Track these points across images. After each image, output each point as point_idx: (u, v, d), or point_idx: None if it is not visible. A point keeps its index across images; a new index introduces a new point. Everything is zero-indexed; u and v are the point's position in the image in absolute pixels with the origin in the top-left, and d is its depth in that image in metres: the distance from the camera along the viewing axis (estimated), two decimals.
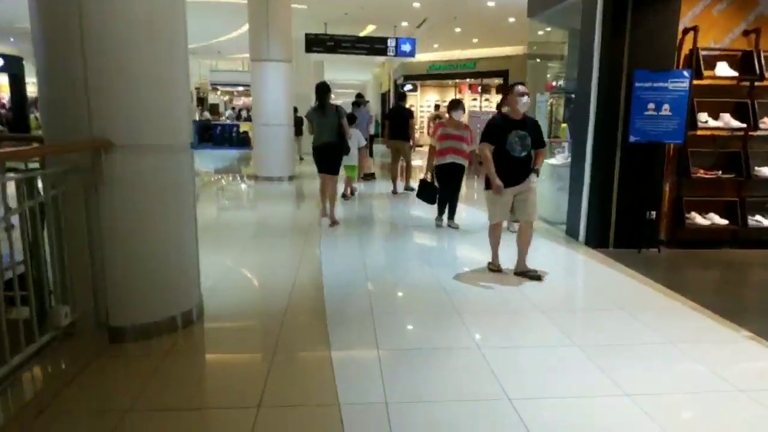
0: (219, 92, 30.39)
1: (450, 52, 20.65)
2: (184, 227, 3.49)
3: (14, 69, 20.45)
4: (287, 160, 11.49)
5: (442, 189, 6.69)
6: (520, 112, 4.58)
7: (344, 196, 8.95)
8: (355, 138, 8.42)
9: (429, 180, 6.77)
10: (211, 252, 5.37)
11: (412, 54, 15.02)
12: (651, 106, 5.41)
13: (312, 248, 5.66)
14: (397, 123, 9.78)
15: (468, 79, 22.63)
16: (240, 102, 31.43)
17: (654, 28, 5.39)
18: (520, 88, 4.58)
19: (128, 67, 3.04)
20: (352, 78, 35.06)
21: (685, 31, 5.53)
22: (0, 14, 14.54)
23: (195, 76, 31.56)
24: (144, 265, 3.25)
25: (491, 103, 22.38)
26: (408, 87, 24.50)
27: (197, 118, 27.02)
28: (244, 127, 21.13)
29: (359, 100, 11.43)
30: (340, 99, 49.50)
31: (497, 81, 21.81)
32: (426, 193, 6.79)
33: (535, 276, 4.64)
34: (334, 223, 6.86)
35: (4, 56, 21.52)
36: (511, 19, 13.48)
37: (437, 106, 22.40)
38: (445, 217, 6.82)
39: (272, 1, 10.76)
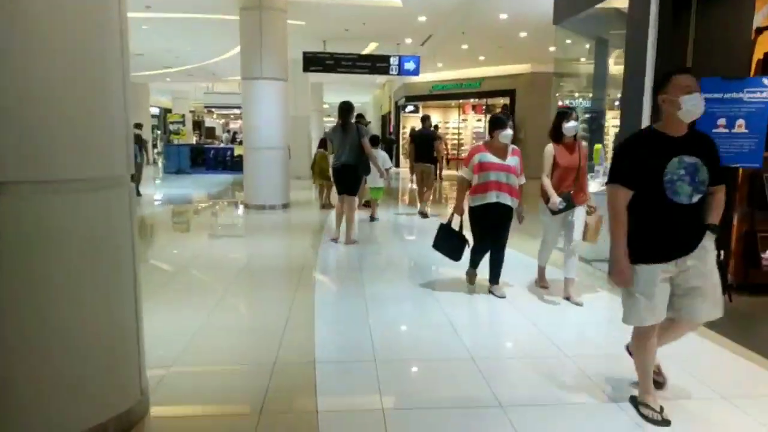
0: (215, 115, 29.66)
1: (454, 71, 19.83)
2: (117, 298, 2.43)
3: None
4: (281, 186, 10.48)
5: (480, 240, 4.72)
6: (685, 122, 2.55)
7: (371, 218, 8.91)
8: (380, 159, 8.10)
9: (453, 225, 4.80)
10: (178, 306, 4.32)
11: (416, 72, 14.15)
12: (721, 122, 4.40)
13: (305, 301, 4.58)
14: (423, 145, 9.60)
15: (472, 99, 21.81)
16: (236, 125, 30.71)
17: (723, 28, 4.41)
18: (684, 78, 2.52)
19: (24, 75, 2.03)
20: (352, 101, 34.35)
21: (758, 32, 4.56)
22: None
23: (190, 98, 30.91)
24: (51, 358, 2.19)
25: None
26: (410, 108, 23.69)
27: (194, 142, 26.28)
28: (238, 150, 20.18)
29: (360, 122, 10.46)
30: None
31: (502, 101, 20.99)
32: (448, 244, 4.77)
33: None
34: (351, 242, 6.86)
35: None
36: (523, 34, 12.60)
37: (436, 127, 21.51)
38: (471, 270, 4.94)
39: (266, 15, 9.87)
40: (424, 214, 9.51)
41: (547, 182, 4.50)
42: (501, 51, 15.24)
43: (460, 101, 22.10)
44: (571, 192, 4.47)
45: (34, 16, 2.04)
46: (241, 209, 10.53)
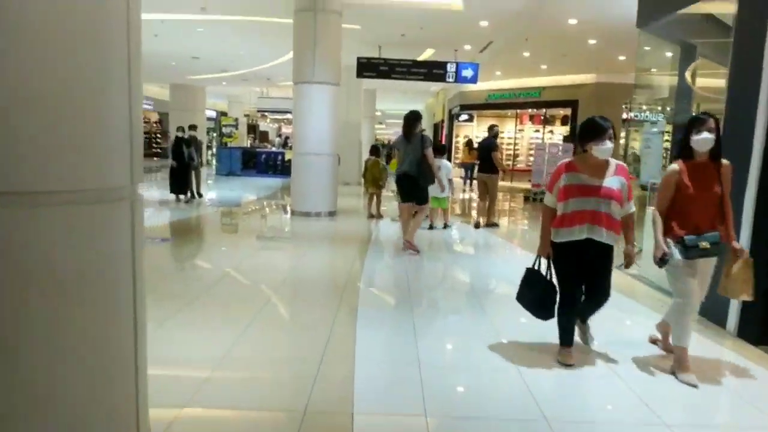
0: (268, 120, 29.87)
1: (513, 80, 19.07)
2: (111, 338, 1.97)
3: None
4: (329, 194, 10.07)
5: (566, 290, 3.43)
6: None
7: (430, 227, 8.66)
8: (444, 170, 8.21)
9: (541, 269, 3.54)
10: (206, 327, 3.88)
11: (473, 80, 13.53)
12: None
13: (345, 327, 4.06)
14: (486, 156, 9.38)
15: (530, 110, 20.95)
16: (289, 130, 30.85)
17: None
18: None
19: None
20: (403, 108, 33.99)
21: None
22: None
23: (245, 102, 31.29)
24: (22, 416, 1.74)
25: (554, 135, 20.59)
26: (464, 117, 23.04)
27: (248, 145, 26.52)
28: (289, 155, 20.10)
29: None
30: (392, 129, 48.86)
31: (562, 112, 20.04)
32: (533, 293, 3.54)
33: None
34: (413, 249, 6.75)
35: None
36: (592, 41, 11.79)
37: (495, 136, 20.71)
38: (564, 339, 3.53)
39: (321, 17, 9.52)
40: (495, 225, 9.37)
41: (659, 221, 3.32)
42: (565, 60, 14.42)
43: (517, 111, 21.27)
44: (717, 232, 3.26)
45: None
46: (286, 215, 10.18)
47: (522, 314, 3.74)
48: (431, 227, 8.71)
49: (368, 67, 13.32)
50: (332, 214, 10.05)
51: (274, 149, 21.86)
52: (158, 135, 29.58)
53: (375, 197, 9.96)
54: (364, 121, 19.84)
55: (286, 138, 24.83)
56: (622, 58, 13.67)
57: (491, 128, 9.96)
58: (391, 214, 10.13)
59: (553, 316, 3.47)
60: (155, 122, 30.67)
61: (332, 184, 10.15)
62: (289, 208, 10.54)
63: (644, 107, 8.81)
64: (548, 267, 3.51)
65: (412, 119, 6.64)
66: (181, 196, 11.19)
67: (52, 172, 1.73)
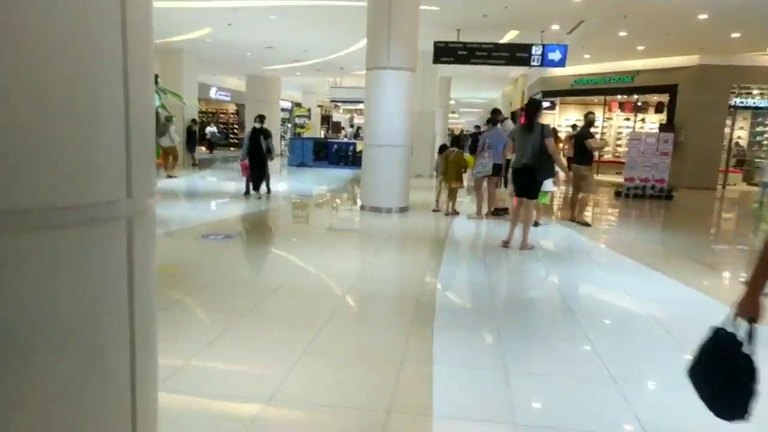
0: (341, 110, 29.64)
1: (602, 63, 17.55)
2: (101, 404, 1.39)
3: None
4: (401, 189, 9.42)
5: None
6: None
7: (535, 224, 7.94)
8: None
9: (738, 336, 2.05)
10: (251, 356, 3.32)
11: (561, 63, 12.38)
12: None
13: (419, 361, 3.37)
14: (580, 147, 8.68)
15: (620, 96, 19.29)
16: (361, 120, 30.53)
17: None
18: None
19: None
20: (478, 97, 32.73)
21: None
22: None
23: (319, 93, 31.23)
24: None
25: (646, 124, 18.86)
26: (545, 104, 21.65)
27: (321, 136, 26.41)
28: (360, 146, 19.68)
29: (494, 117, 9.09)
30: (464, 118, 47.50)
31: (657, 98, 18.29)
32: (719, 372, 2.09)
33: None
34: (527, 247, 6.57)
35: None
36: (702, 16, 10.35)
37: (574, 126, 18.98)
38: None
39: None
40: (586, 224, 8.57)
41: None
42: (666, 39, 12.91)
43: (606, 97, 19.64)
44: None
45: None
46: (356, 211, 9.63)
47: (651, 360, 2.91)
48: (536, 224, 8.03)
49: (446, 52, 12.50)
50: (404, 210, 9.40)
51: (345, 140, 21.50)
52: (236, 126, 30.13)
53: (453, 193, 9.20)
54: (438, 111, 19.01)
55: (358, 128, 24.41)
56: (735, 35, 12.04)
57: (587, 116, 8.95)
58: (467, 211, 9.34)
59: (745, 416, 2.03)
60: (232, 113, 31.29)
61: (405, 178, 9.49)
62: (358, 203, 9.99)
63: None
64: (751, 334, 2.03)
65: (533, 107, 6.47)
66: (252, 192, 10.48)
67: (43, 187, 1.17)
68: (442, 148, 10.01)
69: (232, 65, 21.03)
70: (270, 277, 5.21)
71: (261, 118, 10.56)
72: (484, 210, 8.93)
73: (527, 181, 6.44)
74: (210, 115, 29.45)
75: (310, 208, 10.38)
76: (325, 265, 5.79)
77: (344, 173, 17.15)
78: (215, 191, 12.20)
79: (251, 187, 10.48)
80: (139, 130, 1.41)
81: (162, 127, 14.00)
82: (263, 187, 10.65)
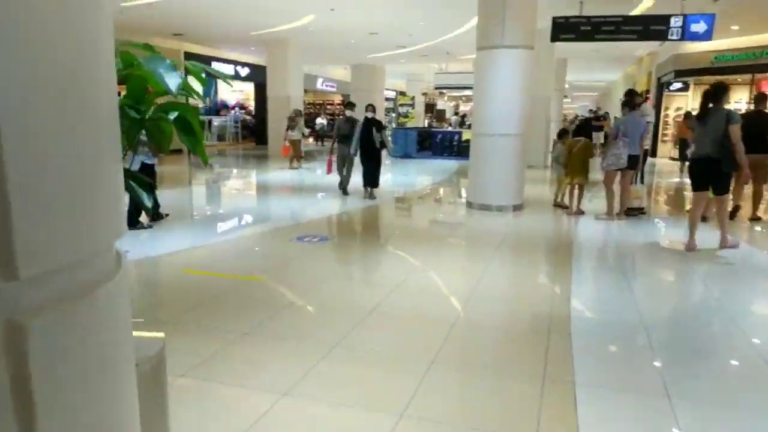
0: (446, 97, 28.64)
1: (752, 36, 15.07)
2: None
3: (259, 78, 21.32)
4: (514, 183, 8.38)
5: None
6: None
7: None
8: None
9: None
10: (327, 417, 2.59)
11: (706, 36, 10.52)
12: None
13: None
14: (755, 132, 7.13)
15: None
16: (467, 108, 29.31)
17: None
18: None
19: None
20: (593, 79, 30.13)
21: None
22: (237, 23, 14.24)
23: (423, 81, 30.40)
24: None
25: None
26: (676, 86, 19.21)
27: (425, 125, 25.67)
28: (466, 135, 18.64)
29: (631, 100, 7.73)
30: (578, 102, 44.33)
31: None
32: None
33: None
34: (728, 245, 5.79)
35: (250, 65, 22.73)
36: None
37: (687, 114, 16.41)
38: None
39: None
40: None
41: None
42: None
43: (754, 75, 16.93)
44: None
45: None
46: (462, 209, 8.73)
47: None
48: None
49: (566, 28, 11.10)
50: (518, 208, 8.36)
51: (450, 129, 20.53)
52: (341, 117, 30.18)
53: (579, 189, 8.02)
54: (553, 95, 17.46)
55: (463, 116, 23.34)
56: None
57: (759, 97, 7.45)
58: (594, 211, 8.10)
59: None
60: (338, 104, 31.42)
61: (519, 172, 8.43)
62: (465, 200, 9.09)
63: None
64: None
65: (719, 91, 5.71)
66: (371, 190, 9.26)
67: None
68: (562, 134, 8.80)
69: (336, 54, 20.80)
70: (365, 295, 4.52)
71: (372, 108, 9.32)
72: (616, 209, 7.66)
73: (708, 174, 5.74)
74: (316, 106, 29.71)
75: (412, 205, 9.59)
76: (429, 279, 5.00)
77: (449, 164, 16.24)
78: (319, 186, 11.84)
79: (371, 185, 9.22)
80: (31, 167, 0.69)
81: (292, 121, 14.31)
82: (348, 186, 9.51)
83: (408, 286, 4.60)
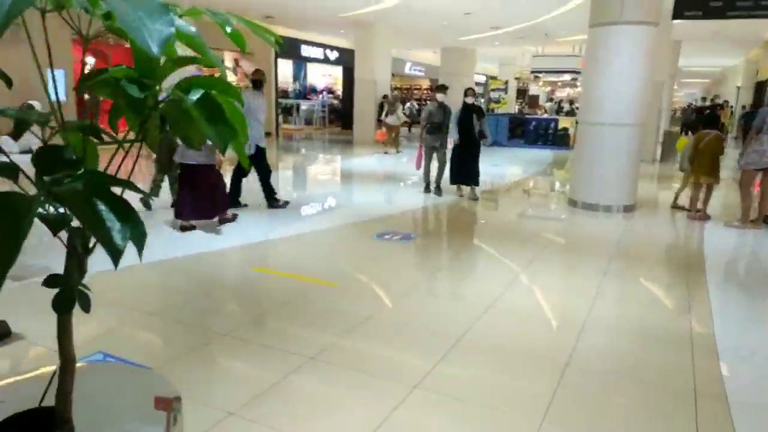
0: (541, 82, 26.96)
1: None
2: None
3: (347, 62, 20.97)
4: (627, 181, 7.30)
5: None
6: None
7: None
8: None
9: None
10: None
11: None
12: None
13: None
14: None
15: None
16: (564, 93, 27.46)
17: None
18: None
19: None
20: (707, 65, 27.13)
21: None
22: (327, 5, 13.84)
23: (517, 64, 28.84)
24: None
25: None
26: None
27: (515, 111, 24.30)
28: (563, 123, 17.27)
29: None
30: (684, 90, 40.50)
31: None
32: None
33: None
34: None
35: (339, 49, 22.43)
36: None
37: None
38: None
39: None
40: None
41: None
42: None
43: None
44: None
45: None
46: (562, 207, 7.77)
47: None
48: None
49: (692, 4, 9.66)
50: (629, 209, 7.29)
51: (545, 116, 19.14)
52: (427, 102, 29.34)
53: (708, 190, 6.84)
54: (666, 81, 15.68)
55: (560, 102, 21.78)
56: None
57: None
58: (727, 216, 6.88)
59: None
60: (426, 89, 30.57)
61: (633, 167, 7.34)
62: (565, 197, 8.10)
63: None
64: None
65: None
66: (464, 187, 8.05)
67: None
68: (690, 124, 7.56)
69: (426, 37, 19.95)
70: (453, 314, 3.82)
71: (472, 93, 7.88)
72: (753, 215, 6.43)
73: None
74: (404, 91, 29.07)
75: (504, 201, 8.67)
76: (530, 296, 4.22)
77: (543, 154, 15.05)
78: (405, 175, 11.23)
79: (470, 182, 7.91)
80: None
81: (392, 105, 14.29)
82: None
83: (505, 306, 3.86)
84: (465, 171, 7.84)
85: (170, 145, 6.09)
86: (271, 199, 6.78)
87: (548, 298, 4.14)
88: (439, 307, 3.90)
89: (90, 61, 13.10)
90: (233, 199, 6.40)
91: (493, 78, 29.39)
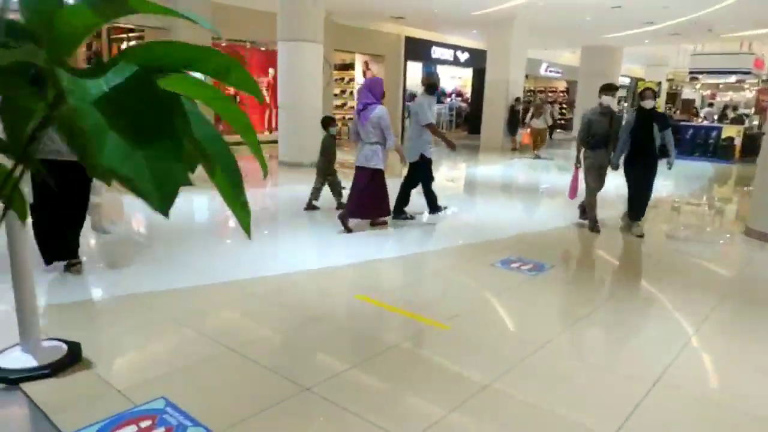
0: (699, 84, 23.77)
1: None
2: None
3: (478, 63, 20.04)
4: None
5: None
6: None
7: None
8: None
9: None
10: None
11: None
12: None
13: None
14: None
15: None
16: (726, 97, 24.00)
17: None
18: None
19: None
20: None
21: None
22: (460, 2, 13.11)
23: (669, 65, 25.86)
24: None
25: None
26: None
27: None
28: (727, 131, 14.87)
29: None
30: None
31: None
32: None
33: None
34: None
35: (470, 50, 21.53)
36: None
37: None
38: None
39: None
40: None
41: None
42: None
43: None
44: None
45: None
46: (736, 237, 6.29)
47: None
48: None
49: None
50: None
51: (705, 123, 16.68)
52: (563, 105, 27.39)
53: None
54: None
55: (724, 108, 18.98)
56: None
57: None
58: None
59: None
60: (562, 91, 28.59)
61: None
62: (740, 224, 6.58)
63: None
64: None
65: None
66: (637, 223, 6.17)
67: None
68: None
69: (567, 35, 18.40)
70: (607, 389, 2.91)
71: (652, 94, 6.00)
72: None
73: None
74: (537, 93, 27.39)
75: (658, 225, 7.21)
76: (706, 376, 3.15)
77: (702, 168, 13.04)
78: (540, 187, 10.16)
79: (629, 215, 6.25)
80: None
81: (538, 108, 13.96)
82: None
83: (678, 381, 2.85)
84: (633, 198, 6.08)
85: (330, 152, 6.13)
86: (434, 207, 6.55)
87: (735, 376, 3.04)
88: (584, 377, 2.97)
89: None
90: (398, 207, 6.24)
91: (641, 80, 26.64)
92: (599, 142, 5.96)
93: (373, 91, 5.45)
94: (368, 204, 5.62)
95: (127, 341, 3.11)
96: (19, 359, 2.52)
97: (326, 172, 6.46)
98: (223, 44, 13.11)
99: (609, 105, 5.97)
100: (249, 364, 2.87)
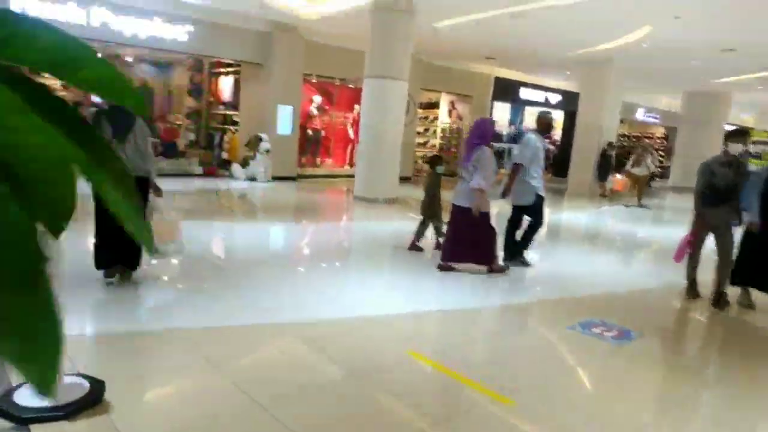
0: None
1: None
2: None
3: (569, 106, 19.29)
4: None
5: None
6: None
7: None
8: None
9: None
10: None
11: None
12: None
13: None
14: None
15: None
16: None
17: None
18: None
19: None
20: None
21: None
22: (554, 43, 12.65)
23: None
24: None
25: None
26: None
27: None
28: None
29: None
30: None
31: None
32: None
33: None
34: None
35: (562, 92, 20.79)
36: None
37: None
38: None
39: None
40: None
41: None
42: None
43: None
44: None
45: None
46: None
47: None
48: None
49: None
50: None
51: None
52: (662, 152, 25.69)
53: None
54: None
55: None
56: None
57: None
58: None
59: None
60: (659, 138, 26.91)
61: None
62: None
63: None
64: None
65: None
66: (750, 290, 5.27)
67: None
68: None
69: (668, 79, 17.25)
70: None
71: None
72: None
73: None
74: (633, 139, 25.92)
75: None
76: None
77: None
78: (630, 237, 9.32)
79: (737, 281, 5.19)
80: None
81: (640, 155, 13.59)
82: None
83: None
84: (760, 266, 5.01)
85: (433, 191, 5.87)
86: (516, 254, 5.96)
87: None
88: None
89: (317, 99, 13.87)
90: (512, 252, 5.94)
91: (750, 129, 24.54)
92: (723, 197, 5.01)
93: (481, 133, 5.36)
94: (465, 246, 5.43)
95: (152, 383, 2.92)
96: (34, 396, 2.35)
97: (428, 213, 6.16)
98: (314, 80, 13.39)
99: (737, 154, 5.07)
100: (272, 424, 2.55)
